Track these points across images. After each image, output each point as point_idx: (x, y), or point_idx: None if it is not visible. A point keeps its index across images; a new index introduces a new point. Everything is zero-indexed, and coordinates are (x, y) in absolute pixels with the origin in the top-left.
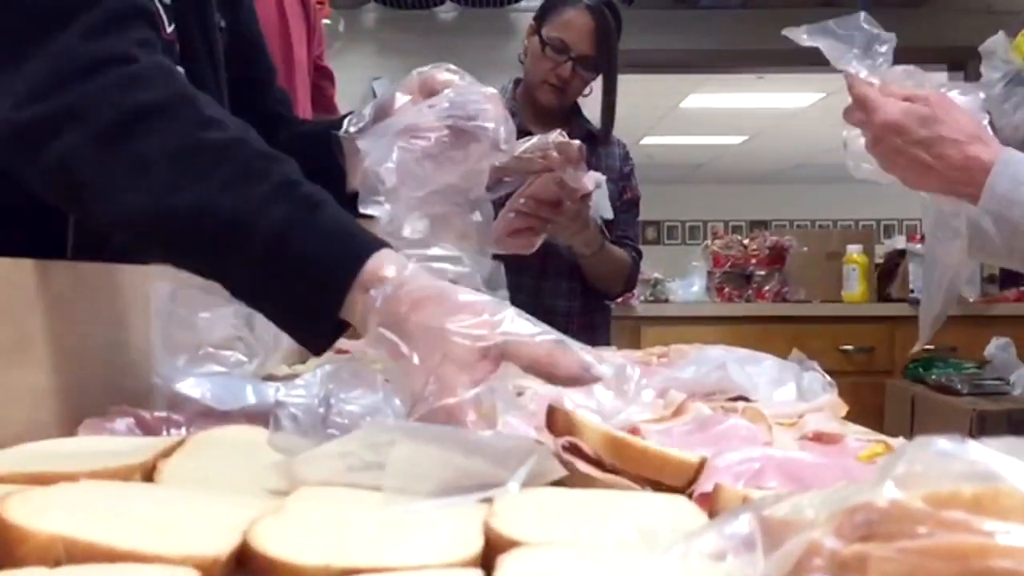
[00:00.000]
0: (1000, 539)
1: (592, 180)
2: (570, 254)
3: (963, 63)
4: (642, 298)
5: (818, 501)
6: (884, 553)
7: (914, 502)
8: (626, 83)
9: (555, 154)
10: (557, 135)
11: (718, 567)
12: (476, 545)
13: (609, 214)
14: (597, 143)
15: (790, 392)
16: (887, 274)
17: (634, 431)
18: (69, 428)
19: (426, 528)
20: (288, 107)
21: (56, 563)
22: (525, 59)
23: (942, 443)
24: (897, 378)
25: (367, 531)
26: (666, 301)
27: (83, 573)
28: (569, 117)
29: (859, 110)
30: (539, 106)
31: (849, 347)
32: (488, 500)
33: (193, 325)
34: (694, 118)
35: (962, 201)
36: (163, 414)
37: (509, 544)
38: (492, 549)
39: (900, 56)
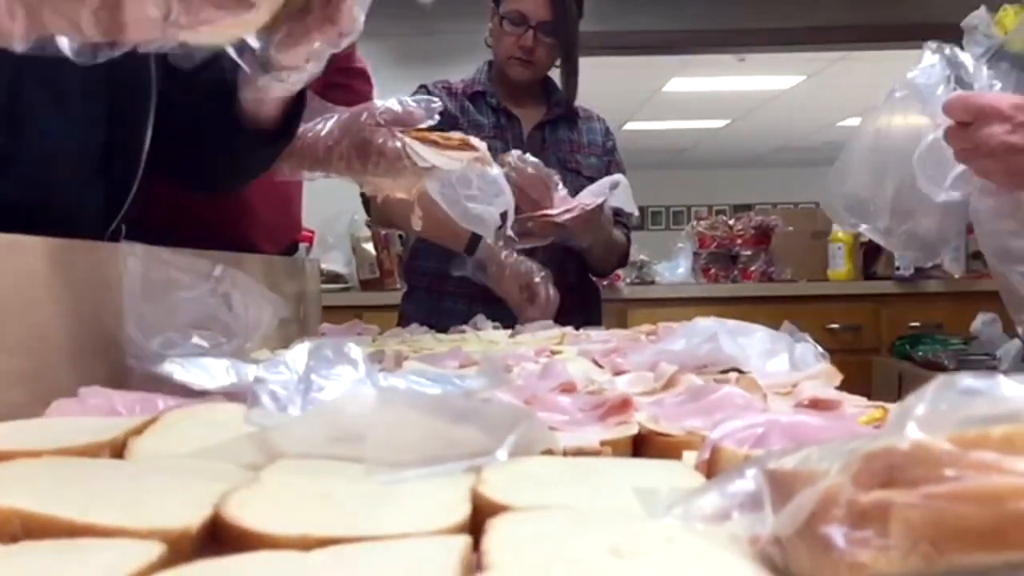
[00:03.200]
0: None
1: (608, 183)
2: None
3: (943, 40)
4: (628, 280)
5: (829, 452)
6: (908, 499)
7: (939, 443)
8: (608, 67)
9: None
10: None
11: (722, 527)
12: (463, 512)
13: (634, 210)
14: (577, 117)
15: (783, 363)
16: (873, 252)
17: (626, 403)
18: (38, 411)
19: (411, 497)
20: None
21: (12, 539)
22: (492, 41)
23: (968, 380)
24: (884, 356)
25: (348, 501)
26: (652, 283)
27: (40, 549)
28: (545, 92)
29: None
30: (512, 83)
31: (835, 325)
32: (476, 470)
33: (168, 305)
34: (676, 102)
35: None
36: (137, 395)
37: (499, 510)
38: (481, 516)
39: (880, 34)
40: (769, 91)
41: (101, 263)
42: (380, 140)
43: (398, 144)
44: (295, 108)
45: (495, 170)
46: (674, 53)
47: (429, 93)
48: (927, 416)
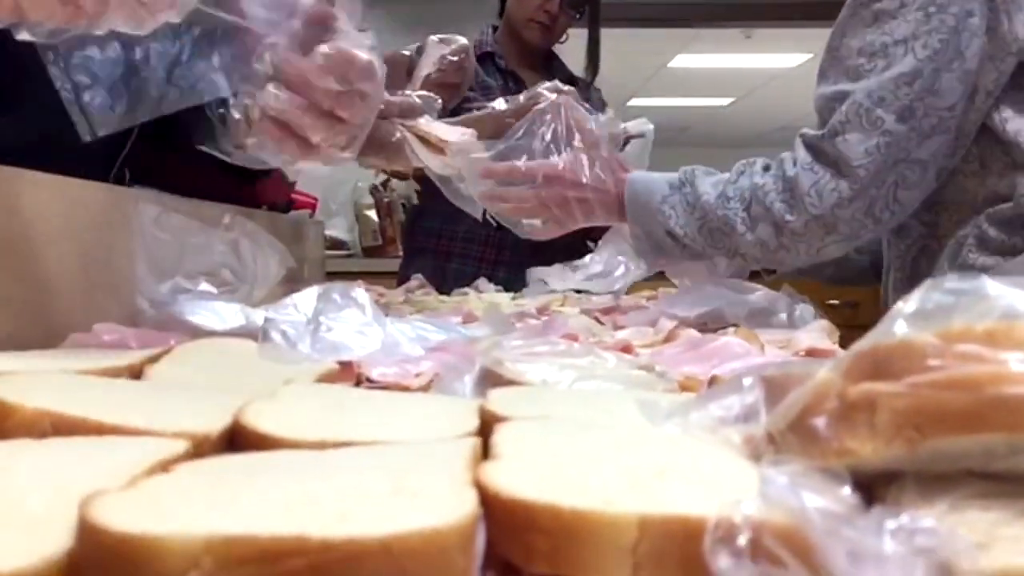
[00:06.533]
0: (1014, 366)
1: (637, 126)
2: None
3: None
4: None
5: (828, 362)
6: (894, 389)
7: (925, 337)
8: (614, 41)
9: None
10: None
11: (718, 432)
12: (472, 423)
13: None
14: (578, 86)
15: (781, 323)
16: None
17: (627, 348)
18: (54, 344)
19: (422, 411)
20: None
21: (43, 437)
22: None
23: (954, 281)
24: None
25: (362, 414)
26: None
27: (71, 444)
28: (550, 60)
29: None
30: (524, 46)
31: (835, 301)
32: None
33: (179, 251)
34: (682, 79)
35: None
36: (149, 332)
37: (505, 421)
38: (488, 429)
39: None
40: (775, 69)
41: (114, 206)
42: (384, 132)
43: (399, 136)
44: None
45: None
46: (680, 26)
47: None
48: (916, 314)
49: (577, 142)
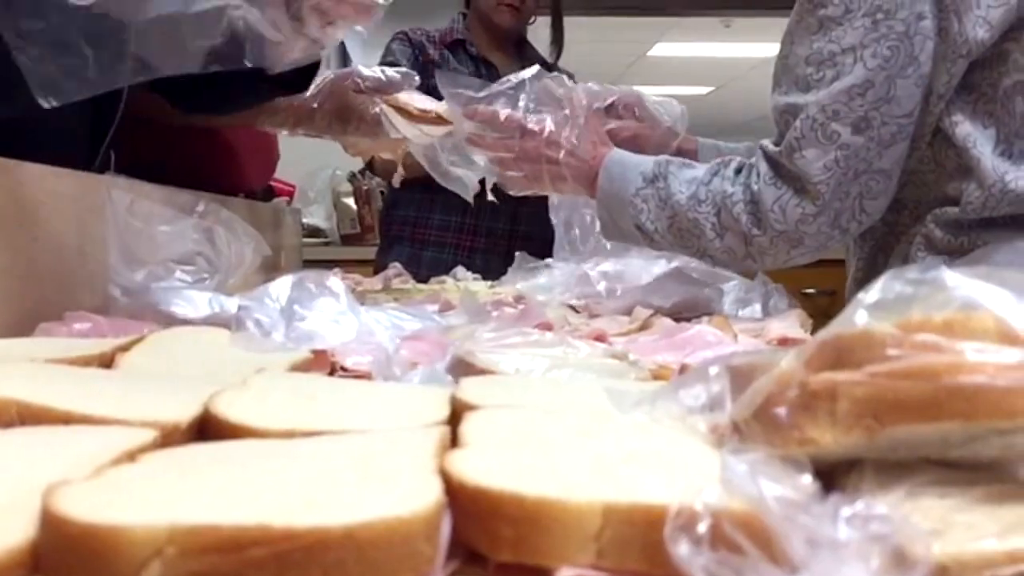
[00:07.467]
0: (971, 356)
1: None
2: None
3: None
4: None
5: (791, 352)
6: (853, 378)
7: (885, 328)
8: (594, 30)
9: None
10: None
11: (685, 421)
12: (443, 412)
13: None
14: (551, 70)
15: (755, 312)
16: None
17: (600, 336)
18: (25, 333)
19: (393, 401)
20: None
21: (9, 426)
22: None
23: (914, 272)
24: None
25: (333, 403)
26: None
27: (37, 433)
28: (521, 45)
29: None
30: (495, 30)
31: (811, 290)
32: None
33: (152, 238)
34: (661, 68)
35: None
36: (122, 320)
37: (475, 409)
38: (459, 417)
39: None
40: (754, 58)
41: (87, 193)
42: (361, 106)
43: (377, 111)
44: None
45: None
46: (659, 15)
47: (409, 40)
48: (877, 304)
49: (567, 110)
